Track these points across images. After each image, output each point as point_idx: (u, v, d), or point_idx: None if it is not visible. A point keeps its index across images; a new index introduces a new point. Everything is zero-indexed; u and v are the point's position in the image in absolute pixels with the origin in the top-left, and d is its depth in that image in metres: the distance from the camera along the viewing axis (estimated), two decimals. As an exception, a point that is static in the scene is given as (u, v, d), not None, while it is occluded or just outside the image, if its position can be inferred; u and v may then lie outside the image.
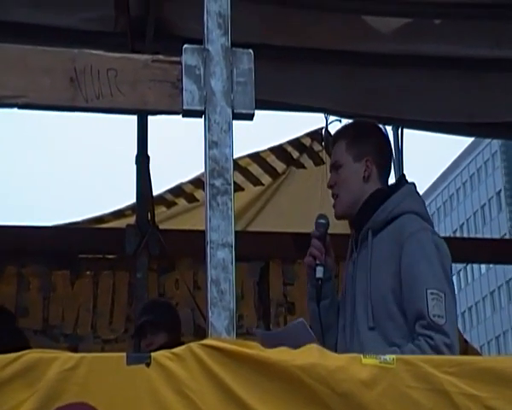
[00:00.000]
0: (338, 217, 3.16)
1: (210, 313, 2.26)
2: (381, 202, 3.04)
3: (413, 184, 3.17)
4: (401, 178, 3.25)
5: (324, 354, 2.27)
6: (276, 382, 2.17)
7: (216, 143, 2.48)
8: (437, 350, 2.73)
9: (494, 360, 2.47)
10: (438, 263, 2.86)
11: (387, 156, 3.23)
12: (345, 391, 2.20)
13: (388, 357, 2.29)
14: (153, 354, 2.13)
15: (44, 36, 4.56)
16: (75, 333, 4.86)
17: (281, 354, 2.22)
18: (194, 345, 2.16)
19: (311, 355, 2.23)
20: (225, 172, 2.46)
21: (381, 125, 3.65)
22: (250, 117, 2.58)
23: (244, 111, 2.55)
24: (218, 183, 2.44)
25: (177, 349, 2.15)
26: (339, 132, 3.32)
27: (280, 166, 5.78)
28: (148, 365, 2.12)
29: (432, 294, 2.79)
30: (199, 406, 2.11)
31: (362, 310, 2.95)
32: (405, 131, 6.46)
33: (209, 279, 2.30)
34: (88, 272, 4.99)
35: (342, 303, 3.12)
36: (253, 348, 2.19)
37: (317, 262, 3.08)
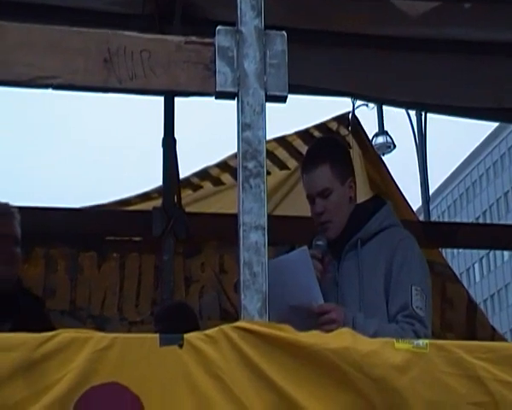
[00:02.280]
0: (333, 239, 3.21)
1: (243, 296, 2.25)
2: (368, 216, 3.21)
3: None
4: (377, 196, 3.58)
5: (357, 338, 2.26)
6: (308, 365, 2.17)
7: (249, 125, 2.47)
8: (417, 336, 2.88)
9: (527, 346, 2.46)
10: (422, 268, 3.16)
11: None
12: (377, 376, 2.20)
13: (422, 342, 2.28)
14: (186, 335, 2.13)
15: (68, 17, 4.55)
16: (102, 315, 4.86)
17: (313, 338, 2.21)
18: (226, 327, 2.16)
19: (343, 339, 2.23)
20: (258, 155, 2.45)
21: (403, 110, 3.75)
22: (283, 99, 2.57)
23: (277, 93, 2.54)
24: (250, 165, 2.43)
25: (209, 331, 2.15)
26: (318, 156, 3.31)
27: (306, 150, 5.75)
28: (180, 346, 2.12)
29: (416, 290, 3.05)
30: (231, 388, 2.11)
31: (353, 309, 3.05)
32: (429, 116, 6.44)
33: (242, 262, 2.30)
34: (115, 255, 4.98)
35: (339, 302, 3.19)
36: (286, 331, 2.19)
37: None
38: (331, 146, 3.42)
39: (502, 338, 5.87)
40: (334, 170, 3.20)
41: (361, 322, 2.94)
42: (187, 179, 5.42)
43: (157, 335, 2.13)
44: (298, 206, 5.53)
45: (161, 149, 4.93)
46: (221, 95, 2.52)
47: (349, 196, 3.24)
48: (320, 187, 3.20)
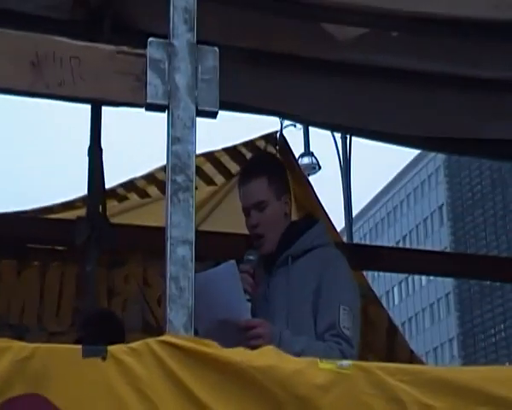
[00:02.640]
0: (267, 254, 3.22)
1: (168, 310, 2.23)
2: (300, 233, 3.22)
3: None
4: (310, 215, 3.56)
5: (282, 356, 2.26)
6: (233, 382, 2.16)
7: (179, 138, 2.46)
8: (343, 355, 2.89)
9: (447, 370, 2.50)
10: (351, 287, 3.16)
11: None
12: (301, 395, 2.20)
13: (345, 362, 2.29)
14: (109, 347, 2.10)
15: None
16: (21, 324, 4.75)
17: (238, 355, 2.20)
18: (151, 341, 2.14)
19: (268, 357, 2.23)
20: (187, 169, 2.44)
21: (328, 133, 3.78)
22: (214, 115, 2.57)
23: (208, 108, 2.54)
24: (179, 179, 2.42)
25: (134, 344, 2.12)
26: (254, 168, 3.35)
27: (234, 166, 5.75)
28: (104, 358, 2.08)
29: (344, 309, 3.05)
30: (155, 402, 2.08)
31: (281, 325, 3.05)
32: (353, 139, 6.52)
33: (168, 276, 2.28)
34: (36, 263, 4.89)
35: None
36: (211, 347, 2.17)
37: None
38: (269, 161, 3.47)
39: (419, 361, 5.95)
40: (270, 184, 3.21)
41: (287, 339, 2.93)
42: (113, 190, 5.35)
43: (80, 346, 2.09)
44: (224, 222, 5.54)
45: (87, 158, 4.86)
46: (151, 107, 2.51)
47: (284, 211, 3.24)
48: (255, 199, 3.20)
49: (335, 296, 3.07)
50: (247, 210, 3.24)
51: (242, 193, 3.29)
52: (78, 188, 5.36)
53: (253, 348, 2.79)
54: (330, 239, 3.39)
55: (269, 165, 3.37)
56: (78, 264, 4.83)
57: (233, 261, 2.99)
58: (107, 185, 5.05)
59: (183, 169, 2.43)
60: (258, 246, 3.20)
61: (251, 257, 3.18)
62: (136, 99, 2.52)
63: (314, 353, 2.77)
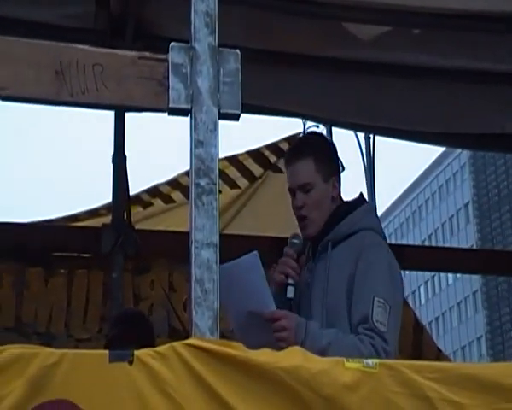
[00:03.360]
0: (310, 238, 3.16)
1: (194, 313, 2.24)
2: (343, 217, 3.11)
3: (372, 204, 3.25)
4: (360, 196, 3.31)
5: (307, 356, 2.26)
6: (259, 383, 2.16)
7: (202, 142, 2.47)
8: (375, 350, 2.80)
9: (474, 366, 2.48)
10: (389, 277, 2.98)
11: (340, 172, 3.27)
12: (327, 395, 2.20)
13: (371, 361, 2.29)
14: (136, 352, 2.11)
15: (20, 30, 4.50)
16: (48, 331, 4.78)
17: (265, 356, 2.21)
18: (177, 344, 2.15)
19: (294, 357, 2.23)
20: (211, 172, 2.45)
21: (351, 132, 3.69)
22: (236, 117, 2.57)
23: (230, 111, 2.55)
24: (203, 182, 2.43)
25: (160, 348, 2.13)
26: (301, 148, 3.27)
27: (257, 169, 5.77)
28: (130, 363, 2.09)
29: (379, 302, 2.89)
30: (182, 405, 2.09)
31: (317, 317, 2.99)
32: (377, 139, 6.51)
33: (193, 279, 2.28)
34: (62, 271, 4.92)
35: (295, 307, 3.13)
36: (237, 349, 2.18)
37: (289, 281, 3.07)
38: (317, 141, 3.32)
39: (447, 359, 5.93)
40: (317, 166, 3.12)
41: (314, 332, 2.86)
42: (137, 196, 5.39)
43: (107, 351, 2.10)
44: (248, 225, 5.55)
45: (111, 166, 4.90)
46: (174, 111, 2.52)
47: (331, 194, 3.14)
48: (301, 180, 3.13)
49: (370, 287, 2.92)
50: (292, 191, 3.16)
51: (289, 173, 3.21)
52: (102, 195, 5.41)
53: (278, 340, 2.82)
54: (375, 223, 3.18)
55: (317, 146, 3.23)
56: (104, 271, 4.87)
57: (255, 252, 2.94)
58: (132, 192, 5.09)
59: (206, 172, 2.44)
60: (302, 228, 3.13)
61: (295, 240, 3.11)
62: (158, 104, 2.53)
63: (342, 346, 2.78)
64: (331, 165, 3.19)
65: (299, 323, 2.89)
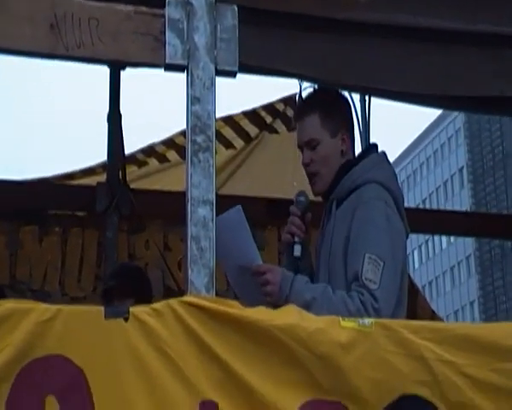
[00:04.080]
0: (317, 194, 3.11)
1: (189, 271, 2.23)
2: (347, 172, 3.03)
3: (383, 152, 3.15)
4: (369, 147, 3.23)
5: (303, 315, 2.26)
6: (254, 341, 2.16)
7: (198, 98, 2.44)
8: (364, 306, 2.73)
9: (470, 326, 2.50)
10: (384, 232, 2.87)
11: (353, 125, 3.21)
12: (322, 353, 2.20)
13: (367, 321, 2.28)
14: (131, 308, 2.10)
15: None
16: (42, 289, 4.77)
17: (260, 314, 2.20)
18: (173, 301, 2.14)
19: (290, 316, 2.23)
20: (207, 129, 2.43)
21: (346, 94, 3.57)
22: (233, 74, 2.55)
23: (227, 68, 2.52)
24: (199, 139, 2.41)
25: (156, 305, 2.12)
26: (307, 104, 3.20)
27: (253, 130, 5.72)
28: (126, 319, 2.09)
29: (370, 258, 2.80)
30: (177, 362, 2.09)
31: (323, 280, 2.95)
32: (372, 102, 6.47)
33: (189, 236, 2.27)
34: (57, 229, 4.89)
35: (316, 273, 3.10)
36: (233, 307, 2.17)
37: (296, 240, 3.03)
38: (324, 96, 3.23)
39: (441, 321, 5.94)
40: (324, 121, 3.05)
41: (299, 286, 2.81)
42: (132, 155, 5.35)
43: (102, 308, 2.09)
44: (243, 186, 5.53)
45: (106, 124, 4.86)
46: (170, 67, 2.49)
47: (340, 149, 3.05)
48: (307, 137, 3.08)
49: (362, 244, 2.82)
50: (300, 148, 3.11)
51: (297, 129, 3.16)
52: (98, 154, 5.37)
53: (264, 294, 2.80)
54: (381, 175, 3.01)
55: (323, 101, 3.15)
56: (99, 230, 4.85)
57: (239, 206, 2.90)
58: (127, 151, 5.05)
59: (202, 129, 2.42)
60: (312, 185, 3.08)
61: (301, 198, 3.06)
62: (154, 60, 2.50)
63: (329, 301, 2.73)
64: (339, 119, 3.11)
65: (285, 277, 2.85)
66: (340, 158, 3.07)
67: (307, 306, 2.63)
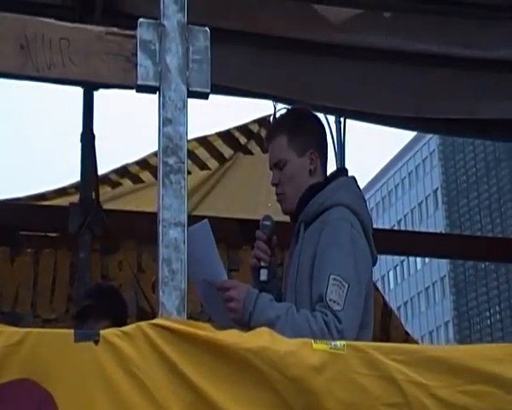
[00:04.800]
0: (285, 213, 3.12)
1: (161, 293, 2.22)
2: (314, 195, 3.03)
3: (352, 176, 3.15)
4: (339, 170, 3.25)
5: (275, 337, 2.25)
6: (225, 364, 2.14)
7: (170, 120, 2.44)
8: (328, 327, 2.72)
9: (441, 349, 2.49)
10: (349, 254, 2.86)
11: (326, 144, 3.19)
12: (294, 376, 2.19)
13: (339, 343, 2.28)
14: (101, 331, 2.08)
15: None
16: (14, 311, 4.72)
17: (231, 337, 2.19)
18: (144, 324, 2.12)
19: (261, 339, 2.21)
20: (179, 151, 2.42)
21: (321, 116, 3.58)
22: (205, 96, 2.54)
23: (199, 89, 2.52)
24: (171, 161, 2.40)
25: (126, 328, 2.10)
26: (276, 126, 3.23)
27: (227, 151, 5.73)
28: (96, 342, 2.07)
29: (334, 279, 2.79)
30: (147, 386, 2.07)
31: (290, 300, 2.95)
32: (348, 123, 6.50)
33: (160, 258, 2.26)
34: (29, 250, 4.85)
35: (284, 294, 3.10)
36: (205, 330, 2.16)
37: (262, 264, 3.05)
38: (291, 117, 3.25)
39: (415, 342, 5.94)
40: (291, 141, 3.06)
41: (263, 304, 2.81)
42: (106, 176, 5.34)
43: (72, 331, 2.07)
44: (217, 206, 5.53)
45: (79, 144, 4.85)
46: (142, 88, 2.48)
47: (308, 168, 3.06)
48: (275, 158, 3.09)
49: (326, 265, 2.82)
50: (271, 169, 3.12)
51: (269, 151, 3.18)
52: (71, 174, 5.35)
53: (228, 310, 2.82)
54: (347, 198, 3.00)
55: (292, 120, 3.16)
56: (72, 250, 4.82)
57: (205, 220, 2.91)
58: (100, 171, 5.04)
59: (174, 151, 2.41)
60: (280, 204, 3.09)
61: (266, 222, 3.08)
62: (126, 81, 2.50)
63: (292, 321, 2.73)
64: (308, 138, 3.10)
65: (249, 294, 2.84)
66: (309, 177, 3.07)
67: (271, 324, 2.64)
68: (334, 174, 3.16)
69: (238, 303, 2.82)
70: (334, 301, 2.76)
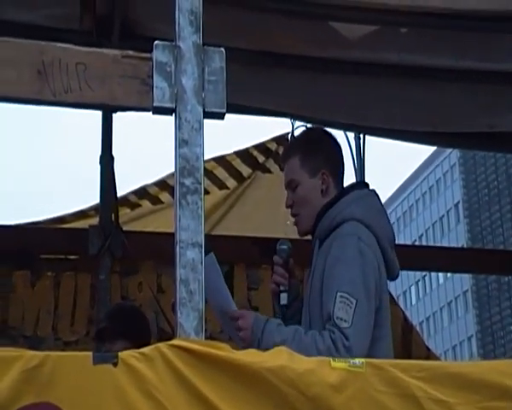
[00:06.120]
0: (302, 234, 3.14)
1: (179, 314, 2.22)
2: (325, 212, 3.04)
3: (368, 188, 3.16)
4: (354, 184, 3.25)
5: (293, 356, 2.25)
6: (244, 384, 2.14)
7: (186, 141, 2.45)
8: (335, 345, 2.72)
9: (461, 365, 2.47)
10: (357, 269, 2.84)
11: (341, 162, 3.19)
12: (313, 395, 2.18)
13: (358, 361, 2.27)
14: (120, 353, 2.09)
15: (4, 31, 4.46)
16: (35, 335, 4.75)
17: (250, 356, 2.19)
18: (162, 345, 2.12)
19: (280, 358, 2.21)
20: (196, 171, 2.43)
21: (341, 132, 3.59)
22: (221, 116, 2.55)
23: (215, 110, 2.53)
24: (188, 182, 2.41)
25: (145, 349, 2.11)
26: (289, 149, 3.28)
27: (245, 170, 5.75)
28: (115, 365, 2.07)
29: (341, 297, 2.78)
30: (166, 407, 2.07)
31: (305, 320, 2.98)
32: (367, 139, 6.51)
33: (178, 279, 2.27)
34: (49, 273, 4.89)
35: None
36: (223, 350, 2.16)
37: (281, 289, 3.06)
38: (304, 138, 3.30)
39: (436, 358, 5.92)
40: (303, 162, 3.08)
41: (270, 329, 2.82)
42: (125, 197, 5.36)
43: (90, 353, 2.08)
44: (236, 226, 5.53)
45: (99, 167, 4.87)
46: (158, 110, 2.50)
47: (320, 188, 3.07)
48: (287, 179, 3.13)
49: (334, 283, 2.82)
50: (286, 189, 3.16)
51: (284, 171, 3.23)
52: (90, 197, 5.38)
53: (240, 340, 2.84)
54: (359, 212, 2.97)
55: (305, 141, 3.21)
56: (92, 273, 4.84)
57: (211, 254, 2.90)
58: (119, 193, 5.06)
59: (191, 172, 2.42)
60: (296, 226, 3.11)
61: (282, 246, 3.10)
62: (142, 103, 2.51)
63: (299, 343, 2.72)
64: (320, 158, 3.11)
65: (257, 321, 2.86)
66: (322, 198, 3.07)
67: None
68: (347, 189, 3.15)
69: (247, 332, 2.84)
70: (342, 319, 2.75)
